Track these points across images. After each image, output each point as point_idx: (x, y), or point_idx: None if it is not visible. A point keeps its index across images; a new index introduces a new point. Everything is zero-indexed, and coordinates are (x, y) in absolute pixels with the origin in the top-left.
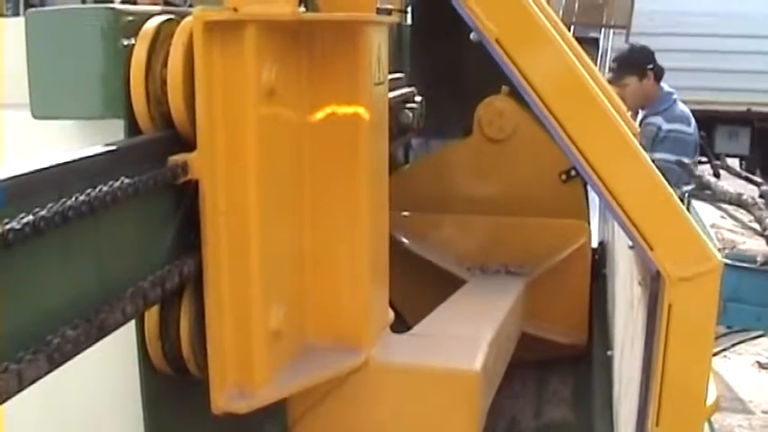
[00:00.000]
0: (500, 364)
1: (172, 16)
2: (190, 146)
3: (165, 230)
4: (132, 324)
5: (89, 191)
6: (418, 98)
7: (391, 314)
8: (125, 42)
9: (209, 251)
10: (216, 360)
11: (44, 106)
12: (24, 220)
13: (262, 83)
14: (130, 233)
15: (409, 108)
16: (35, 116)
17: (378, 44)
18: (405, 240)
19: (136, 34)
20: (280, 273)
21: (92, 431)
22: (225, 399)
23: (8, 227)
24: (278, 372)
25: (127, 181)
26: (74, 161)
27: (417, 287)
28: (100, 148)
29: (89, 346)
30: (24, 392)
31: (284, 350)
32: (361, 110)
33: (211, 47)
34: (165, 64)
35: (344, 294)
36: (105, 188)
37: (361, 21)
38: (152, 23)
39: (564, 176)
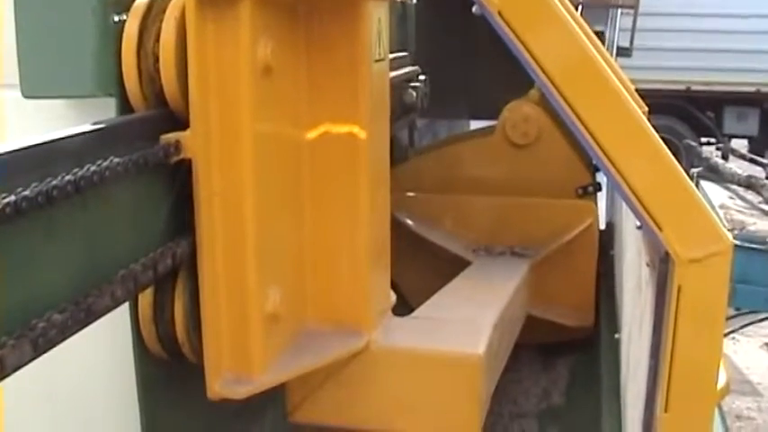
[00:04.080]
0: (504, 346)
1: None
2: (183, 124)
3: (157, 211)
4: (126, 307)
5: (75, 170)
6: (422, 77)
7: (393, 297)
8: (116, 18)
9: (204, 232)
10: (211, 344)
11: (34, 85)
12: (5, 200)
13: (257, 59)
14: (121, 214)
15: (413, 87)
16: (25, 95)
17: (378, 19)
18: (409, 221)
19: (127, 10)
20: (277, 255)
21: (87, 416)
22: (221, 384)
23: None
24: (276, 356)
25: (116, 160)
26: (59, 140)
27: (421, 269)
28: (88, 127)
29: (77, 331)
30: (21, 376)
31: (282, 334)
32: (360, 87)
33: (205, 22)
34: (157, 40)
35: (344, 277)
36: (93, 168)
37: None
38: None
39: (580, 191)
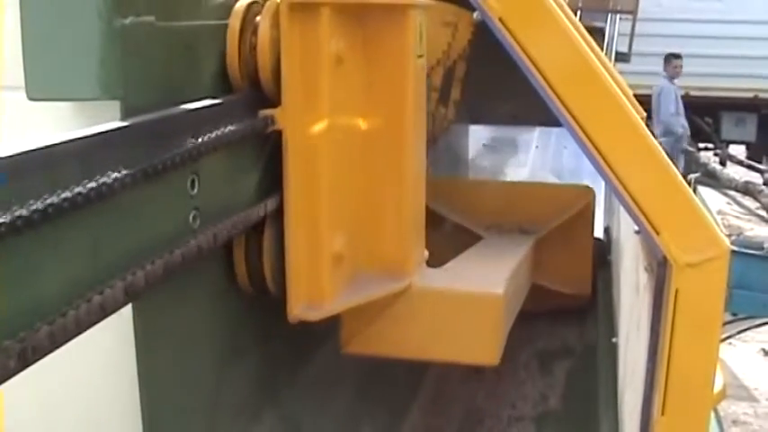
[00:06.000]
0: (516, 300)
1: None
2: (272, 103)
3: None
4: (128, 310)
5: (194, 139)
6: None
7: (426, 252)
8: (121, 21)
9: (290, 189)
10: (292, 279)
11: (39, 88)
12: (125, 173)
13: (332, 52)
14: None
15: None
16: (30, 98)
17: (420, 23)
18: (428, 202)
19: (133, 13)
20: (342, 208)
21: (88, 417)
22: (299, 310)
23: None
24: (339, 290)
25: (230, 128)
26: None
27: (439, 243)
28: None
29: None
30: (23, 377)
31: (344, 272)
32: (406, 77)
33: (294, 24)
34: (253, 37)
35: (391, 230)
36: (211, 134)
37: (405, 4)
38: (242, 3)
39: None
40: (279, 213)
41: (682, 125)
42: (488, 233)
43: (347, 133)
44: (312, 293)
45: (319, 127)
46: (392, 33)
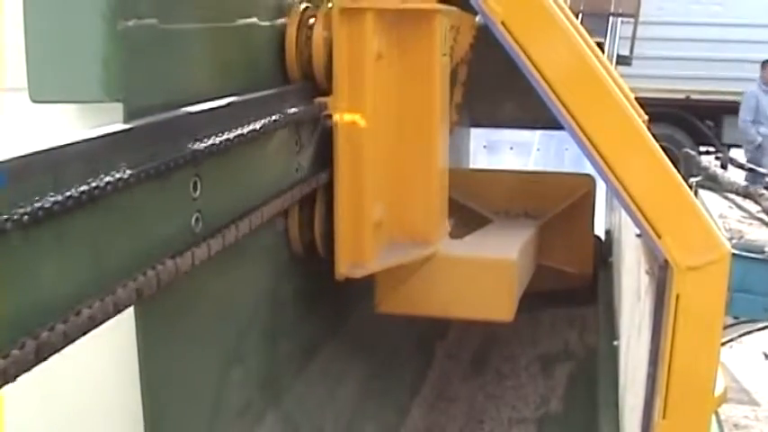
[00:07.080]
0: (526, 269)
1: (309, 4)
2: (323, 92)
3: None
4: (128, 313)
5: (263, 119)
6: None
7: (448, 226)
8: (124, 24)
9: (339, 166)
10: (340, 242)
11: (42, 90)
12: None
13: (374, 50)
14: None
15: None
16: (33, 99)
17: (445, 26)
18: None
19: (136, 15)
20: (381, 182)
21: (87, 418)
22: (345, 268)
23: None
24: (377, 253)
25: (291, 110)
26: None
27: (453, 225)
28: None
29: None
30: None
31: (382, 239)
32: (433, 70)
33: (343, 25)
34: (308, 37)
35: (421, 205)
36: (274, 117)
37: (433, 9)
38: (298, 8)
39: None
40: (328, 186)
41: (764, 134)
42: (497, 217)
43: (385, 118)
44: (356, 255)
45: (363, 113)
46: (422, 34)
